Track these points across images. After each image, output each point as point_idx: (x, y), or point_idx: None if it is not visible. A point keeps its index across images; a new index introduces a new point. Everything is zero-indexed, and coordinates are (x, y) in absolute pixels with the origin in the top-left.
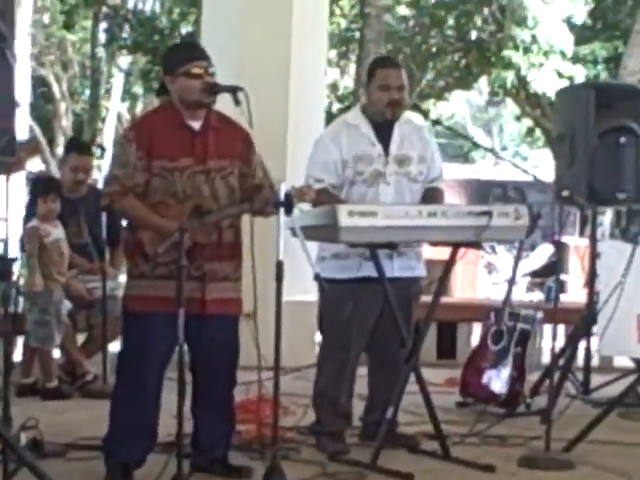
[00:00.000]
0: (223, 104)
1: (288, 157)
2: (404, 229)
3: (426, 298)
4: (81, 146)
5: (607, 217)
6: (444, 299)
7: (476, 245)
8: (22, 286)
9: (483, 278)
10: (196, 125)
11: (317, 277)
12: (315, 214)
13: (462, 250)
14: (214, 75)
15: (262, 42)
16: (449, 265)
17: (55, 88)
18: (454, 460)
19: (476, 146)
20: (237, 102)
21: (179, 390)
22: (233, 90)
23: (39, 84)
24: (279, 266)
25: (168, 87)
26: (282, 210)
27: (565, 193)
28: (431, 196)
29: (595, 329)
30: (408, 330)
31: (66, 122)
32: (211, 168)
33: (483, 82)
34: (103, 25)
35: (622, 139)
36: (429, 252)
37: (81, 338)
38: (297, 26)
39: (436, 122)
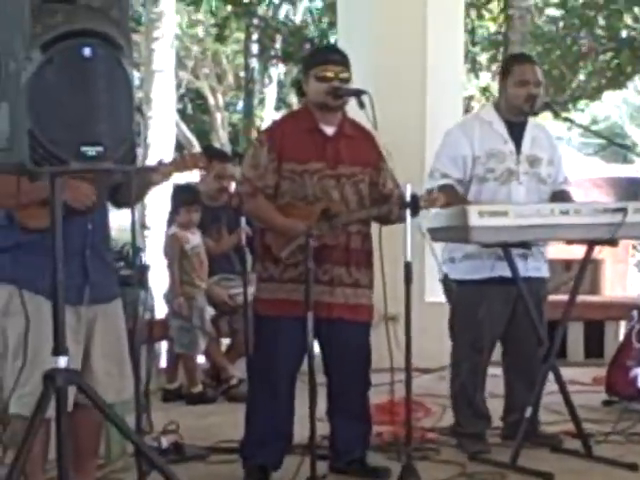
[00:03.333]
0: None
1: (427, 157)
2: (536, 228)
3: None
4: (223, 154)
5: None
6: (590, 298)
7: (611, 242)
8: (165, 294)
9: (634, 276)
10: (329, 130)
11: (445, 278)
12: (444, 215)
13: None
14: (347, 81)
15: (398, 45)
16: (584, 263)
17: (211, 100)
18: (596, 459)
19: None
20: (361, 105)
21: (310, 394)
22: (357, 93)
23: (196, 96)
24: (407, 267)
25: (304, 88)
26: (409, 211)
27: None
28: (561, 198)
29: None
30: (543, 330)
31: (223, 133)
32: (342, 173)
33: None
34: (255, 36)
35: None
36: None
37: (225, 343)
38: (432, 28)
39: (567, 120)
